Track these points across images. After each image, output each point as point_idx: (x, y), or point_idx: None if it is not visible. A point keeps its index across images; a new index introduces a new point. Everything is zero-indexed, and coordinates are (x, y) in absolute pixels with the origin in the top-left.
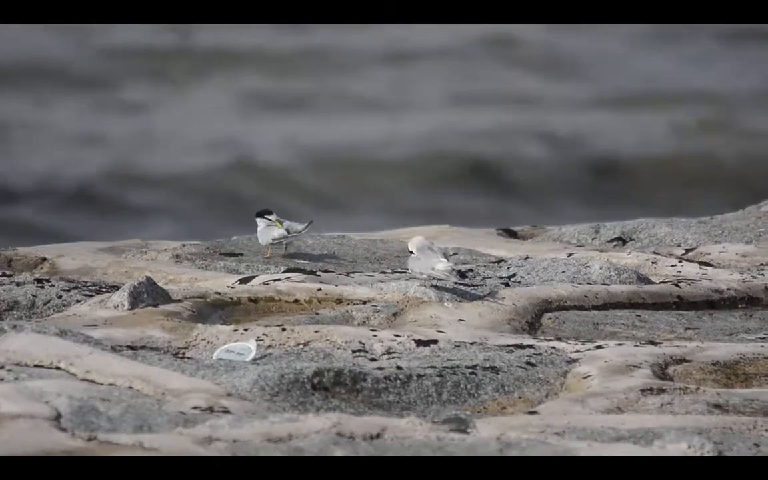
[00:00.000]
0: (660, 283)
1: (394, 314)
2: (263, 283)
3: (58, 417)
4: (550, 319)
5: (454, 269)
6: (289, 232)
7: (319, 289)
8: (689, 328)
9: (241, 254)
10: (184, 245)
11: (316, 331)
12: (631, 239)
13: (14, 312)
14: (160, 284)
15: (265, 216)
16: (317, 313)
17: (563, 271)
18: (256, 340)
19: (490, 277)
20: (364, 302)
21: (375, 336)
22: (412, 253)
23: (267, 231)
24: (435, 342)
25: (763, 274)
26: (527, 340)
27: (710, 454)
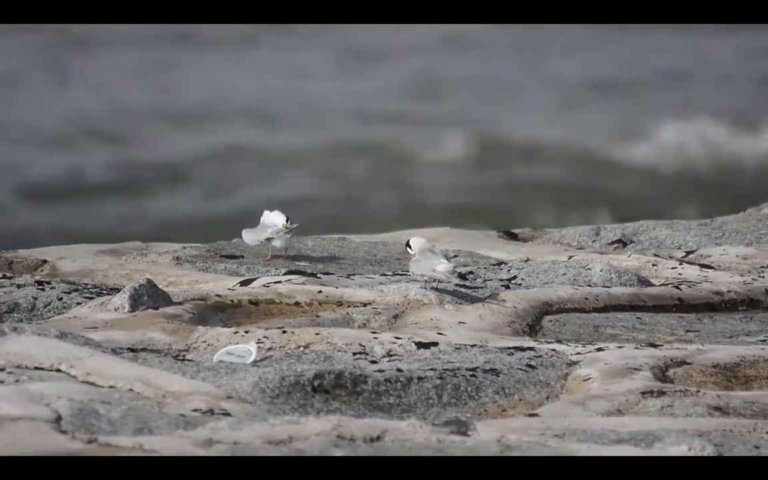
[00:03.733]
0: (660, 285)
1: (395, 316)
2: (264, 286)
3: (58, 419)
4: (550, 321)
5: (455, 270)
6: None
7: (320, 292)
8: (690, 331)
9: (242, 256)
10: (184, 247)
11: (317, 334)
12: (631, 242)
13: (15, 314)
14: (160, 286)
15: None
16: (318, 316)
17: (564, 274)
18: (257, 343)
19: (491, 280)
20: (365, 304)
21: (375, 338)
22: (410, 249)
23: (258, 232)
24: (435, 344)
25: (763, 277)
26: (528, 343)
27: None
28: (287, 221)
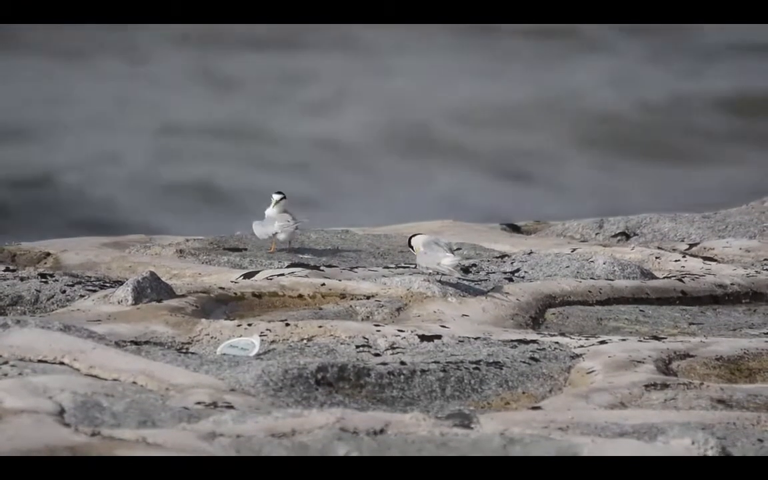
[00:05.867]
0: (664, 278)
1: (398, 309)
2: (267, 278)
3: (61, 412)
4: (553, 314)
5: (460, 263)
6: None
7: (323, 284)
8: (693, 323)
9: (245, 249)
10: (187, 240)
11: (320, 326)
12: (634, 234)
13: (18, 307)
14: (163, 279)
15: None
16: (321, 309)
17: (567, 266)
18: (260, 336)
19: (494, 272)
20: (368, 297)
21: (379, 331)
22: (412, 247)
23: (266, 224)
24: (439, 337)
25: (767, 269)
26: (531, 336)
27: (714, 450)
28: (280, 197)
